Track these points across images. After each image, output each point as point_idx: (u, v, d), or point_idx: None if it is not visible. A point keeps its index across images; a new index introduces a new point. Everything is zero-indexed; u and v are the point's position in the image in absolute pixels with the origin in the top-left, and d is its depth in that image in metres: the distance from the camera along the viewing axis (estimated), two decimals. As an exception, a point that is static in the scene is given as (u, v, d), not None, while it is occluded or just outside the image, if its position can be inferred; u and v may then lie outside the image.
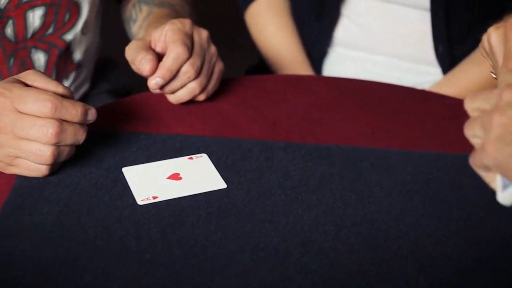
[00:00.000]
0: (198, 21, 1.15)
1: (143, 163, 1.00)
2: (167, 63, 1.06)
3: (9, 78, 0.95)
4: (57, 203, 0.92)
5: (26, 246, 0.85)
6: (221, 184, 0.97)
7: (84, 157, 0.99)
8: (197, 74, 1.09)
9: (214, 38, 1.14)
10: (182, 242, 0.87)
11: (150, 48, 1.10)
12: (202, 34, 1.11)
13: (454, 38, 1.45)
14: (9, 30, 1.19)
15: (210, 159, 1.01)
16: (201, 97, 1.13)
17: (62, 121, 0.91)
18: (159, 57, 1.09)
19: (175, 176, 0.98)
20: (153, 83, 1.07)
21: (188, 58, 1.07)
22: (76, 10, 1.25)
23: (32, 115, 0.90)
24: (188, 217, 0.91)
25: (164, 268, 0.83)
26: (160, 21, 1.22)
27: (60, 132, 0.90)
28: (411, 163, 1.03)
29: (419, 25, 1.45)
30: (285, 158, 1.02)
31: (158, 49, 1.10)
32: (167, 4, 1.31)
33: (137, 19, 1.31)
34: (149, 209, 0.92)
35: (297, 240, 0.88)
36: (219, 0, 2.90)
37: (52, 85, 0.94)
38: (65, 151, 0.94)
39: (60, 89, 0.94)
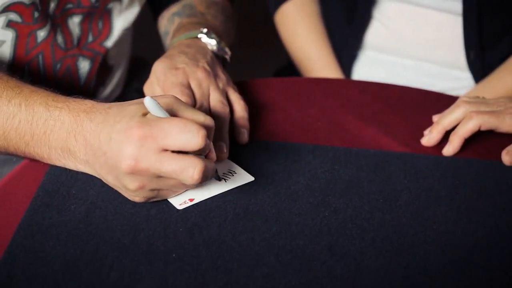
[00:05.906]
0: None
1: None
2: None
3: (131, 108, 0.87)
4: (85, 201, 0.92)
5: (53, 243, 0.86)
6: (249, 178, 0.97)
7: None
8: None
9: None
10: (209, 242, 0.87)
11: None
12: (197, 75, 1.07)
13: (486, 44, 1.44)
14: (59, 38, 1.20)
15: (238, 160, 1.01)
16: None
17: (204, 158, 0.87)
18: None
19: None
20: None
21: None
22: (107, 17, 1.26)
23: (177, 151, 0.85)
24: (215, 218, 0.91)
25: (190, 268, 0.83)
26: (186, 27, 1.21)
27: (205, 171, 0.85)
28: (439, 169, 1.02)
29: (450, 30, 1.44)
30: (313, 161, 1.02)
31: None
32: (198, 13, 1.29)
33: (170, 32, 1.31)
34: (176, 208, 0.92)
35: (323, 243, 0.88)
36: (249, 0, 2.90)
37: (198, 116, 0.89)
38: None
39: (207, 120, 0.89)
